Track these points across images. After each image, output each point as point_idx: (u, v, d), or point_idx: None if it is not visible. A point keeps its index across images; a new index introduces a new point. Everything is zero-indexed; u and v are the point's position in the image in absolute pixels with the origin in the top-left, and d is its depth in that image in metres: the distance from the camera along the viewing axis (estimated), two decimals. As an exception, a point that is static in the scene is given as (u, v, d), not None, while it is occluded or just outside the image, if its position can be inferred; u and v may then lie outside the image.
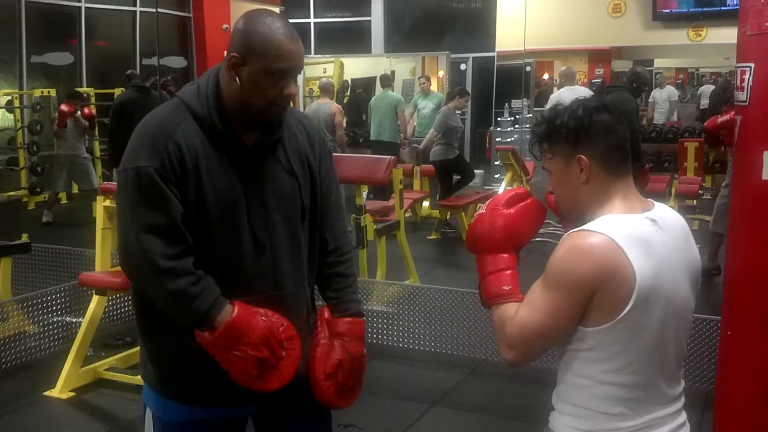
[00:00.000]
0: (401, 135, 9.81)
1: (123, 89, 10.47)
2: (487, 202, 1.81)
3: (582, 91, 8.45)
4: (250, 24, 1.84)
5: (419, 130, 10.66)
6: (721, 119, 6.31)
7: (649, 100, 13.15)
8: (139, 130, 1.87)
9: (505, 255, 1.74)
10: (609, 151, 1.68)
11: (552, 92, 13.25)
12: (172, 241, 1.80)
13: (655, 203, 1.75)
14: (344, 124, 9.27)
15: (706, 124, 7.03)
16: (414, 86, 13.21)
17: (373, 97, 10.48)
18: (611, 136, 1.69)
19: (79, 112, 9.03)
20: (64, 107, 8.88)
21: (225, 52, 1.88)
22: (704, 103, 13.06)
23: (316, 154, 2.03)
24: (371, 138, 9.96)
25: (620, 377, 1.63)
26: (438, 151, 8.41)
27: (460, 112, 8.82)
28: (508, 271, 1.73)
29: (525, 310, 1.65)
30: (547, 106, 9.16)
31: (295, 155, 1.97)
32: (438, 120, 8.46)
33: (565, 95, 9.00)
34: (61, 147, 9.06)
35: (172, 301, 1.82)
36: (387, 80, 10.53)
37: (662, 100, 13.02)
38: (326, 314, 2.05)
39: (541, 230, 1.85)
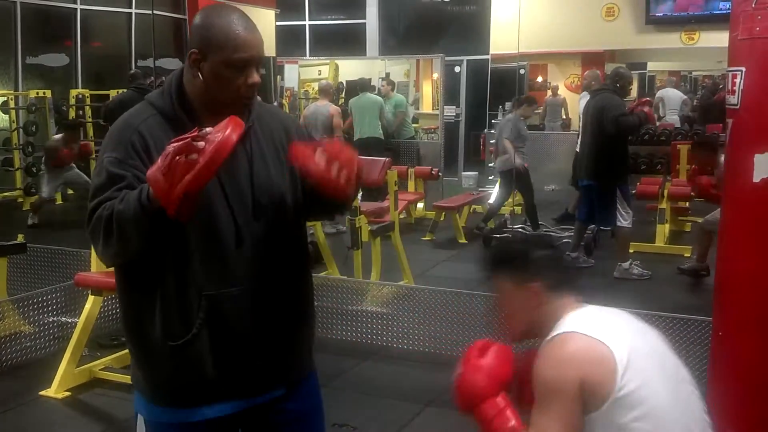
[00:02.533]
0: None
1: (119, 91, 10.54)
2: (462, 361, 1.96)
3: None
4: (206, 18, 1.87)
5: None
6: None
7: (656, 98, 13.17)
8: (110, 129, 1.93)
9: (498, 398, 1.86)
10: (557, 282, 1.90)
11: (547, 95, 13.35)
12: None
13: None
14: (342, 126, 9.29)
15: (699, 188, 6.91)
16: (408, 88, 13.26)
17: (352, 100, 10.54)
18: (554, 269, 1.92)
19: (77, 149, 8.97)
20: (65, 151, 8.78)
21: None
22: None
23: (294, 139, 2.00)
24: (355, 138, 10.00)
25: None
26: (518, 160, 8.20)
27: (523, 118, 8.82)
28: (507, 411, 1.84)
29: None
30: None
31: (269, 143, 1.98)
32: (510, 128, 8.37)
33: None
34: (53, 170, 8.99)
35: (118, 221, 1.74)
36: (365, 85, 10.72)
37: (675, 99, 13.11)
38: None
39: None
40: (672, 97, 13.19)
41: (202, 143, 1.63)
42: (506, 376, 1.89)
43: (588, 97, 8.30)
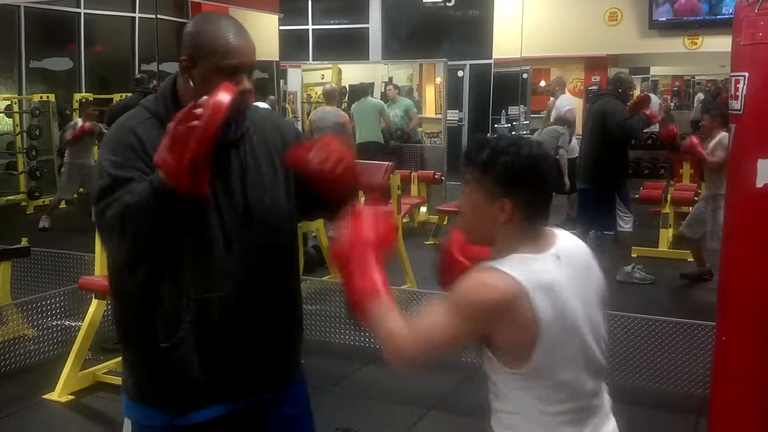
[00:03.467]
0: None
1: (122, 94, 10.57)
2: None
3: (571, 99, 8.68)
4: (197, 25, 1.89)
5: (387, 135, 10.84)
6: (686, 143, 6.51)
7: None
8: (108, 134, 1.96)
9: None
10: (534, 202, 1.69)
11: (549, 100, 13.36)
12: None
13: (559, 234, 1.77)
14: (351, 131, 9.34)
15: (661, 135, 7.12)
16: (412, 92, 13.28)
17: (354, 105, 10.56)
18: (540, 187, 1.70)
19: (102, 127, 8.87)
20: (87, 125, 8.72)
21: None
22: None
23: (291, 144, 2.01)
24: (358, 141, 10.02)
25: (551, 407, 1.71)
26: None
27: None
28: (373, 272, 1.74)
29: (425, 321, 1.71)
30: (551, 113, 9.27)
31: (263, 148, 1.98)
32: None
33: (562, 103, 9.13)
34: (69, 155, 8.92)
35: (131, 213, 1.75)
36: (364, 90, 10.74)
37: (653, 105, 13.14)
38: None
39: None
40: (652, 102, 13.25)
41: (199, 110, 1.67)
42: (379, 240, 1.77)
43: (555, 104, 9.19)
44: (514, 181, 1.65)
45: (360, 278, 1.72)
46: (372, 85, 13.13)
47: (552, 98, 9.73)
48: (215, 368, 1.92)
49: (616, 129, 6.35)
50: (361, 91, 10.59)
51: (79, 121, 8.89)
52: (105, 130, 8.89)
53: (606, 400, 1.83)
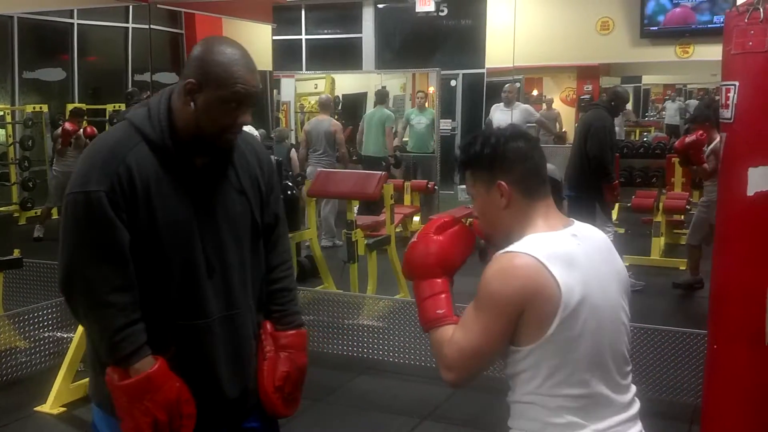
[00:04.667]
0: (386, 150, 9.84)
1: (115, 105, 10.56)
2: (418, 231, 1.88)
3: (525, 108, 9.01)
4: (209, 52, 1.85)
5: (411, 144, 10.70)
6: (688, 139, 6.37)
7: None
8: (89, 154, 1.88)
9: (439, 280, 1.81)
10: (526, 176, 1.76)
11: (541, 109, 13.40)
12: (117, 271, 1.81)
13: (575, 221, 1.81)
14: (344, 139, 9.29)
15: (676, 144, 7.10)
16: (405, 102, 13.27)
17: (366, 113, 10.51)
18: (527, 162, 1.76)
19: (81, 131, 8.93)
20: (68, 126, 8.79)
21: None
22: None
23: (265, 174, 2.07)
24: (363, 153, 9.99)
25: (563, 389, 1.68)
26: None
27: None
28: (443, 295, 1.79)
29: (460, 333, 1.71)
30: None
31: (246, 176, 2.00)
32: None
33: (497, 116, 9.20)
34: (58, 164, 8.96)
35: (102, 334, 1.83)
36: (382, 97, 10.42)
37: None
38: (269, 327, 2.07)
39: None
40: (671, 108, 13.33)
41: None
42: (455, 261, 1.83)
43: (500, 109, 9.35)
44: (500, 161, 1.74)
45: (421, 304, 1.80)
46: (365, 94, 13.13)
47: (501, 105, 9.41)
48: (200, 394, 1.92)
49: (593, 151, 6.43)
50: (379, 97, 10.31)
51: (68, 126, 8.90)
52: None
53: (631, 400, 1.79)
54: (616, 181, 6.87)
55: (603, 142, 6.51)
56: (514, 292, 1.63)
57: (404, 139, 10.85)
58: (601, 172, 6.50)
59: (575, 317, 1.64)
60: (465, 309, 1.73)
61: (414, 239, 1.87)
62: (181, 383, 1.85)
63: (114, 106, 11.40)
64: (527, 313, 1.64)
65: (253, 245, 2.03)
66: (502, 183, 1.74)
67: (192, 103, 1.84)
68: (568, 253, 1.68)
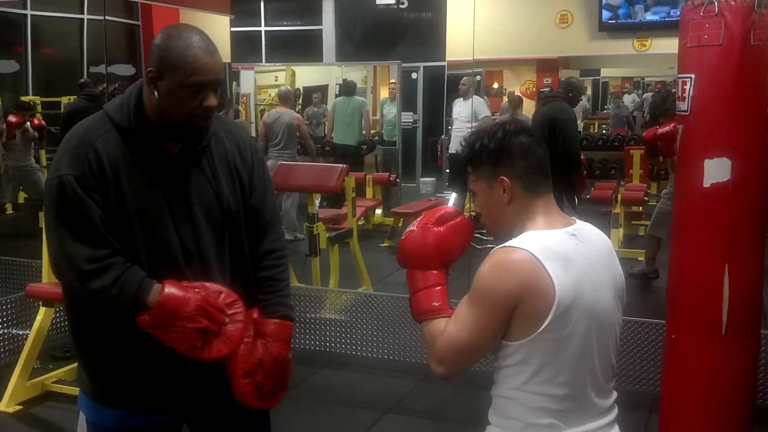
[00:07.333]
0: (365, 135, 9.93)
1: (70, 98, 10.37)
2: (418, 219, 1.88)
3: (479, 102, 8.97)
4: (167, 39, 1.87)
5: (386, 132, 10.74)
6: (660, 130, 6.44)
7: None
8: (63, 142, 1.93)
9: (435, 271, 1.80)
10: (529, 171, 1.75)
11: (503, 101, 13.47)
12: (95, 245, 1.84)
13: (578, 220, 1.82)
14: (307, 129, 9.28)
15: (644, 134, 7.18)
16: (366, 94, 13.25)
17: (334, 102, 10.51)
18: (530, 157, 1.76)
19: (28, 123, 8.80)
20: (12, 118, 8.68)
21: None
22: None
23: (247, 162, 2.06)
24: (335, 142, 9.94)
25: (548, 388, 1.68)
26: None
27: None
28: (438, 287, 1.78)
29: (453, 326, 1.71)
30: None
31: (222, 163, 2.00)
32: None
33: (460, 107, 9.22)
34: (8, 158, 8.87)
35: (100, 299, 1.86)
36: (350, 87, 10.62)
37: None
38: (254, 314, 2.05)
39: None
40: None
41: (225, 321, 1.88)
42: (453, 253, 1.82)
43: (459, 102, 9.13)
44: (502, 157, 1.74)
45: (415, 295, 1.81)
46: (326, 87, 13.08)
47: (461, 99, 9.18)
48: (172, 376, 1.95)
49: (566, 145, 6.46)
50: (346, 88, 10.41)
51: (11, 119, 8.73)
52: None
53: (612, 405, 1.80)
54: (585, 172, 6.94)
55: (573, 135, 6.55)
56: (509, 288, 1.63)
57: (380, 131, 10.92)
58: (574, 164, 6.55)
59: (567, 317, 1.64)
60: (459, 302, 1.73)
61: (412, 227, 1.86)
62: (202, 286, 1.89)
63: (69, 99, 11.19)
64: (520, 308, 1.64)
65: (232, 233, 2.02)
66: (505, 178, 1.74)
67: (156, 92, 1.86)
68: (565, 252, 1.68)
